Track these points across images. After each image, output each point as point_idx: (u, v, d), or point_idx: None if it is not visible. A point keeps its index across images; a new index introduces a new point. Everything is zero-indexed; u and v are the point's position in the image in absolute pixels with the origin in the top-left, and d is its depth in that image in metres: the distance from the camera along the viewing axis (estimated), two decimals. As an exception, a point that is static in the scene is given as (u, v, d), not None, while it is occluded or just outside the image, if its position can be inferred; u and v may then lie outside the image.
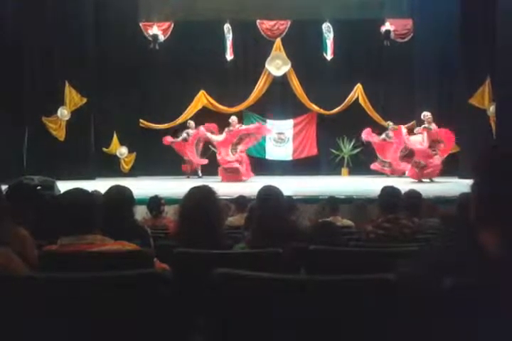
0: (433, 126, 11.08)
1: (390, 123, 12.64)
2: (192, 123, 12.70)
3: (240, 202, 5.61)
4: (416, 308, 1.29)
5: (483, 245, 1.23)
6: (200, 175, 12.69)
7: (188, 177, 12.37)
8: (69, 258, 2.33)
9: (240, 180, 11.28)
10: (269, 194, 3.36)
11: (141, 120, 13.39)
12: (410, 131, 11.97)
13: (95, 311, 1.71)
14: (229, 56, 13.28)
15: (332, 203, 5.67)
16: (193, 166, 12.65)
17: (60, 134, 11.77)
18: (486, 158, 1.30)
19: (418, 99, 12.97)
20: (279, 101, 13.78)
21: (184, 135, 12.44)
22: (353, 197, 7.74)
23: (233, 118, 11.95)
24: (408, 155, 11.61)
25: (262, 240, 2.94)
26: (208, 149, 12.70)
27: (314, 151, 14.03)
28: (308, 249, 2.70)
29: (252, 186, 9.76)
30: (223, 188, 7.83)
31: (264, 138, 13.63)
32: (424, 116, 11.12)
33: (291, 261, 2.65)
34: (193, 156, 12.42)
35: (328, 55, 13.35)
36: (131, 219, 3.44)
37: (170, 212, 5.26)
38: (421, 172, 11.08)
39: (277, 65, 13.59)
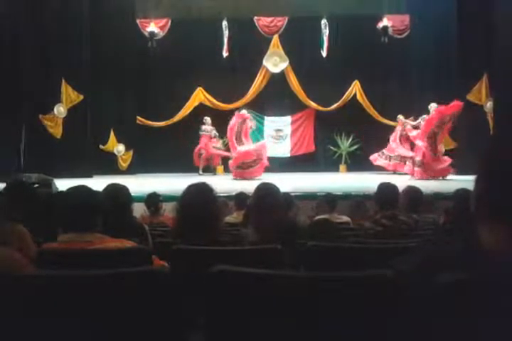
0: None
1: (401, 117, 12.57)
2: (208, 119, 12.64)
3: (240, 198, 5.60)
4: (414, 304, 1.29)
5: (483, 241, 1.23)
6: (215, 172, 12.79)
7: (200, 174, 12.31)
8: (68, 256, 2.33)
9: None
10: (265, 191, 3.35)
11: (138, 117, 13.37)
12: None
13: (94, 309, 1.70)
14: (225, 53, 13.26)
15: (329, 200, 5.66)
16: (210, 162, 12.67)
17: (57, 132, 11.74)
18: (487, 152, 1.29)
19: (415, 95, 12.97)
20: (276, 98, 13.78)
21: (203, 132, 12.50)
22: (351, 194, 7.75)
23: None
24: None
25: (260, 237, 2.94)
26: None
27: (312, 148, 14.05)
28: (307, 245, 2.71)
29: (251, 183, 9.77)
30: (222, 185, 7.88)
31: (262, 135, 13.65)
32: (431, 107, 11.07)
33: (291, 257, 2.65)
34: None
35: (324, 52, 13.34)
36: (129, 217, 3.44)
37: (168, 209, 5.26)
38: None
39: (275, 62, 13.58)
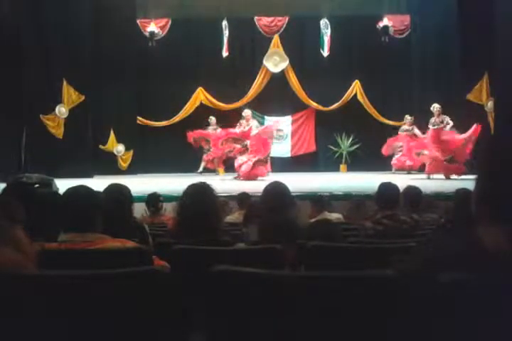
0: (445, 118, 10.84)
1: (408, 117, 12.53)
2: (213, 119, 12.54)
3: (242, 198, 5.60)
4: (414, 304, 1.29)
5: (483, 241, 1.23)
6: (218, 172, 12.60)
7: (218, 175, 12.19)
8: (68, 256, 2.33)
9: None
10: (276, 190, 3.36)
11: (138, 117, 13.37)
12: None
13: (94, 309, 1.71)
14: (225, 53, 13.25)
15: (316, 200, 5.62)
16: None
17: (59, 132, 11.75)
18: (487, 152, 1.29)
19: (416, 95, 12.98)
20: (277, 98, 13.77)
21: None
22: (352, 194, 7.75)
23: (247, 112, 11.63)
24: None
25: (262, 237, 2.94)
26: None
27: (313, 148, 14.04)
28: (308, 245, 2.71)
29: (253, 183, 9.77)
30: (223, 185, 7.88)
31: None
32: (433, 107, 11.00)
33: (292, 257, 2.65)
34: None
35: (325, 52, 13.34)
36: (130, 217, 3.45)
37: (168, 209, 5.26)
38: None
39: (275, 62, 13.58)
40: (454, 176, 10.54)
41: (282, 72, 13.62)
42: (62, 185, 4.56)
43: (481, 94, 11.96)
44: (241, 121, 11.49)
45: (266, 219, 3.13)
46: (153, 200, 5.38)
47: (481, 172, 1.29)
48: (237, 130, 11.33)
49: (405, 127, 12.50)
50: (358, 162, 13.33)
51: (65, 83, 11.79)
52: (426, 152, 10.99)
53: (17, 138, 11.19)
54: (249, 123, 11.42)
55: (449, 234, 1.56)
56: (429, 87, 12.68)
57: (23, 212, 2.50)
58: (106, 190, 3.40)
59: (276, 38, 13.56)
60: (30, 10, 11.15)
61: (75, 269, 1.83)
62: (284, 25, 13.55)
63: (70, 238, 2.39)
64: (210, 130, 12.34)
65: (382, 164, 12.63)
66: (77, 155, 11.64)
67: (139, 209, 5.14)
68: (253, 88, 13.58)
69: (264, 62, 13.56)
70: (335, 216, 5.26)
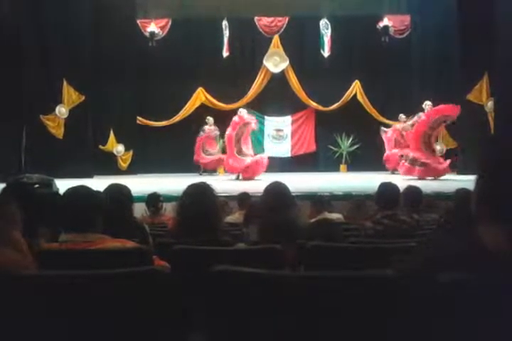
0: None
1: (402, 116, 12.56)
2: (211, 119, 12.59)
3: (243, 198, 5.59)
4: (414, 304, 1.29)
5: (483, 241, 1.23)
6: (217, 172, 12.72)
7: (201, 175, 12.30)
8: (69, 256, 2.33)
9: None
10: (277, 190, 3.36)
11: (138, 117, 13.37)
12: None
13: (94, 309, 1.71)
14: (225, 53, 13.26)
15: (316, 201, 5.60)
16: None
17: (59, 132, 11.75)
18: (487, 152, 1.30)
19: (416, 95, 12.97)
20: (277, 98, 13.78)
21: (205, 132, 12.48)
22: (352, 194, 7.75)
23: (241, 111, 11.64)
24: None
25: (262, 237, 2.94)
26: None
27: (313, 148, 14.05)
28: (307, 245, 2.71)
29: (253, 183, 9.78)
30: (223, 185, 7.87)
31: (262, 135, 13.64)
32: (425, 105, 11.05)
33: (292, 257, 2.65)
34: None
35: (326, 52, 13.34)
36: (130, 217, 3.44)
37: (168, 209, 5.26)
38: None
39: (275, 62, 13.58)
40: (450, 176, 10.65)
41: (282, 72, 13.63)
42: (63, 185, 4.55)
43: (481, 94, 11.95)
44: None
45: (266, 219, 3.13)
46: (154, 200, 5.38)
47: (481, 172, 1.29)
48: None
49: (397, 126, 12.59)
50: (358, 162, 13.34)
51: (65, 83, 11.79)
52: (410, 153, 11.08)
53: (17, 138, 11.19)
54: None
55: (449, 234, 1.56)
56: (429, 86, 12.68)
57: (22, 213, 2.49)
58: (106, 190, 3.39)
59: (276, 38, 13.57)
60: (30, 10, 11.15)
61: (75, 269, 1.82)
62: (284, 26, 13.56)
63: (70, 238, 2.39)
64: (206, 129, 12.48)
65: (382, 164, 12.62)
66: (77, 156, 11.64)
67: (139, 209, 5.14)
68: (253, 88, 13.59)
69: (265, 62, 13.56)
70: (335, 216, 5.25)
